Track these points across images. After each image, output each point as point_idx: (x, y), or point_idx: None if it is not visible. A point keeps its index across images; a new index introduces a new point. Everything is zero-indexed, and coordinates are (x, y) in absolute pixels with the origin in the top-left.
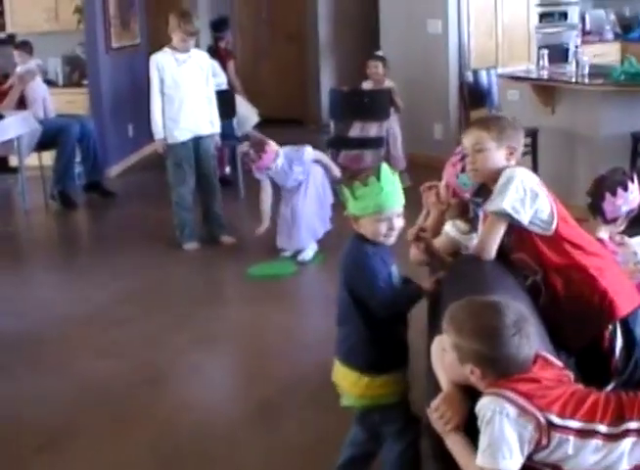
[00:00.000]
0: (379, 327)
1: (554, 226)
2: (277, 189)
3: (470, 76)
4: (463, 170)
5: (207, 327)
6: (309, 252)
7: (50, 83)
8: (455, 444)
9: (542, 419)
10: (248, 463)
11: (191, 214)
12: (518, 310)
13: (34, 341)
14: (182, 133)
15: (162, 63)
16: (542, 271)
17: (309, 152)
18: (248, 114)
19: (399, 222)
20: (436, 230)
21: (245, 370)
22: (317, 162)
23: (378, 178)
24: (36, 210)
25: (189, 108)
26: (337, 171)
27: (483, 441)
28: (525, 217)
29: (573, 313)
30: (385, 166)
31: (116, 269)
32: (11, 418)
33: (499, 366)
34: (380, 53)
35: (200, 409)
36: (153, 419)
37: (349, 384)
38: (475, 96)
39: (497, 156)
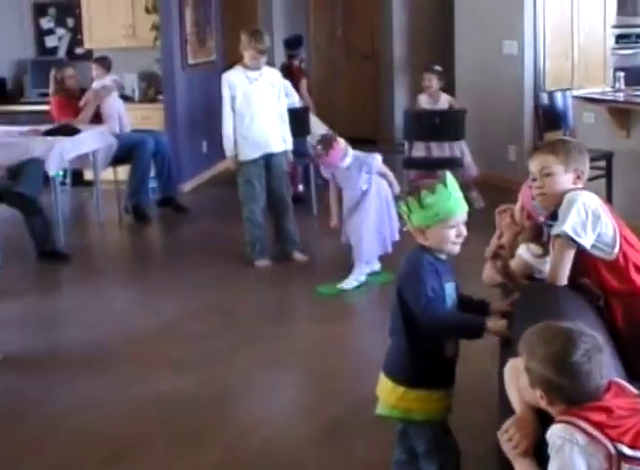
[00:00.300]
0: (422, 340)
1: (617, 250)
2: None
3: (545, 98)
4: None
5: (278, 345)
6: (353, 281)
7: (126, 99)
8: (523, 468)
9: (612, 450)
10: None
11: (261, 231)
12: (591, 339)
13: (104, 353)
14: (253, 150)
15: (234, 80)
16: (604, 297)
17: (378, 159)
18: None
19: (465, 230)
20: (510, 253)
21: (314, 389)
22: (382, 175)
23: (445, 185)
24: (110, 223)
25: (260, 125)
26: (397, 189)
27: (552, 468)
28: (587, 241)
29: (635, 341)
30: (449, 174)
31: (188, 285)
32: (77, 429)
33: (566, 394)
34: (437, 67)
35: (268, 427)
36: (221, 436)
37: (385, 392)
38: (550, 118)
39: (565, 179)
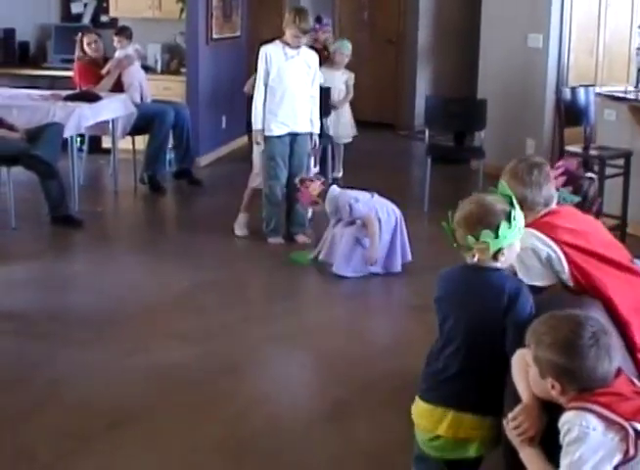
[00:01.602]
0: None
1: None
2: None
3: (567, 93)
4: (564, 185)
5: (286, 323)
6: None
7: (148, 69)
8: (529, 456)
9: (630, 429)
10: (316, 461)
11: (278, 209)
12: (597, 323)
13: (111, 320)
14: (279, 127)
15: (271, 54)
16: None
17: (359, 210)
18: (350, 124)
19: None
20: None
21: (321, 369)
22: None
23: (508, 195)
24: (125, 192)
25: (289, 103)
26: (374, 252)
27: (570, 456)
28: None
29: None
30: (502, 182)
31: (199, 258)
32: (80, 394)
33: (578, 379)
34: None
35: (273, 403)
36: (226, 409)
37: (475, 428)
38: (571, 114)
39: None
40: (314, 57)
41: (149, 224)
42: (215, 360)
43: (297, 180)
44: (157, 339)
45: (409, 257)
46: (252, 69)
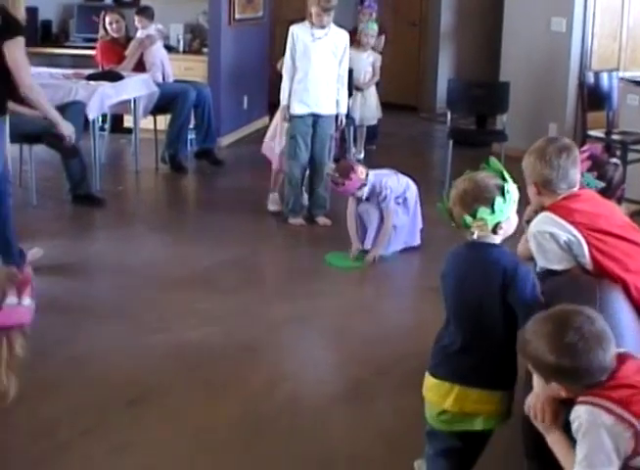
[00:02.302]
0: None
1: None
2: None
3: (591, 78)
4: (589, 170)
5: (307, 303)
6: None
7: (170, 49)
8: (554, 443)
9: (639, 427)
10: (333, 440)
11: (297, 189)
12: (581, 314)
13: (131, 298)
14: (301, 107)
15: (298, 34)
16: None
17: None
18: (375, 106)
19: None
20: None
21: (340, 349)
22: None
23: (496, 169)
24: (147, 171)
25: (313, 84)
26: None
27: (580, 451)
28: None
29: None
30: (492, 158)
31: (220, 237)
32: (100, 372)
33: (577, 377)
34: None
35: (291, 382)
36: (244, 387)
37: (484, 403)
38: (594, 98)
39: (531, 192)
40: (344, 37)
41: (170, 204)
42: (235, 339)
43: (330, 170)
44: (177, 317)
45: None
46: (275, 49)
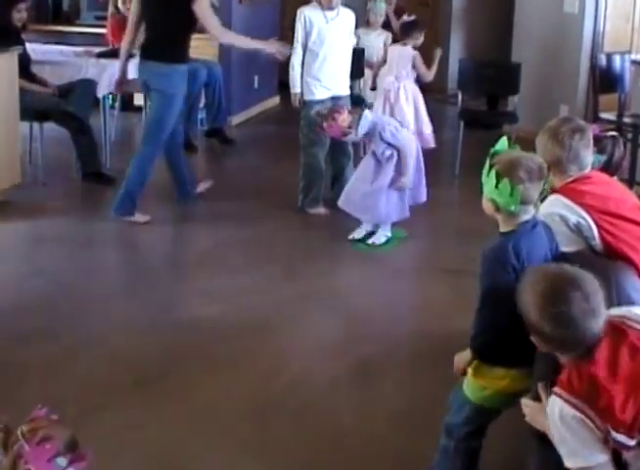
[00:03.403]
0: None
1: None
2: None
3: (603, 59)
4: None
5: (314, 283)
6: (382, 237)
7: None
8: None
9: (609, 437)
10: (342, 418)
11: (321, 178)
12: (576, 292)
13: (140, 276)
14: (321, 92)
15: (311, 17)
16: None
17: (405, 135)
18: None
19: None
20: None
21: (349, 328)
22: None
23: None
24: None
25: (331, 66)
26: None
27: (561, 447)
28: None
29: None
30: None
31: (230, 216)
32: (109, 350)
33: (551, 342)
34: None
35: (299, 361)
36: (253, 365)
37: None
38: (605, 80)
39: None
40: (352, 17)
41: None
42: (244, 318)
43: (315, 114)
44: (186, 296)
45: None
46: (286, 27)
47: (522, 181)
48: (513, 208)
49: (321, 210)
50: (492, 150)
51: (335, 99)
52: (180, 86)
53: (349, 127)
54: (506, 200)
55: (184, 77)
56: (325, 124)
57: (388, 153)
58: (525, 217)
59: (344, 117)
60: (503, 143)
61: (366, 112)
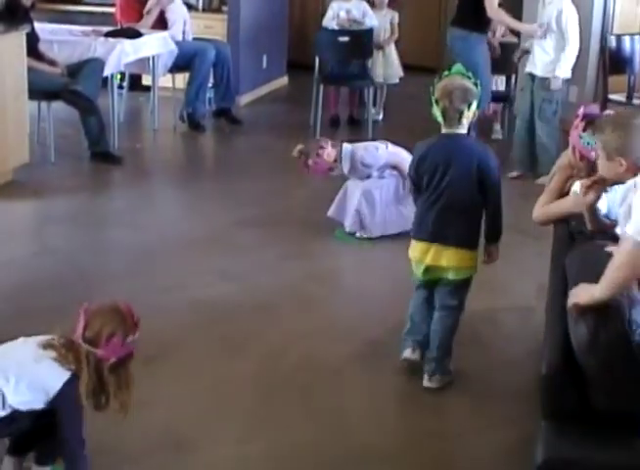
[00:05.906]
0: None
1: None
2: None
3: (612, 41)
4: (584, 130)
5: (324, 262)
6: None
7: (190, 7)
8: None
9: None
10: (348, 397)
11: None
12: None
13: (149, 255)
14: None
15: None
16: None
17: (382, 153)
18: (397, 64)
19: None
20: (559, 194)
21: (357, 308)
22: (393, 168)
23: (462, 71)
24: (164, 130)
25: None
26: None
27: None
28: None
29: None
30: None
31: (237, 196)
32: None
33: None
34: None
35: (308, 341)
36: (260, 344)
37: (459, 259)
38: (615, 62)
39: (609, 167)
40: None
41: (187, 162)
42: (252, 297)
43: (296, 153)
44: (194, 275)
45: None
46: (295, 7)
47: (441, 99)
48: (440, 119)
49: None
50: (445, 72)
51: None
52: None
53: (335, 161)
54: (434, 113)
55: None
56: (310, 162)
57: (387, 171)
58: (457, 131)
59: (329, 152)
60: (457, 69)
61: (344, 145)
